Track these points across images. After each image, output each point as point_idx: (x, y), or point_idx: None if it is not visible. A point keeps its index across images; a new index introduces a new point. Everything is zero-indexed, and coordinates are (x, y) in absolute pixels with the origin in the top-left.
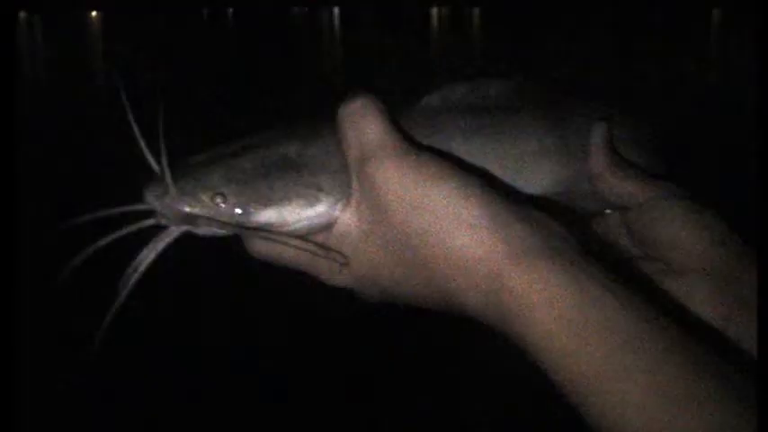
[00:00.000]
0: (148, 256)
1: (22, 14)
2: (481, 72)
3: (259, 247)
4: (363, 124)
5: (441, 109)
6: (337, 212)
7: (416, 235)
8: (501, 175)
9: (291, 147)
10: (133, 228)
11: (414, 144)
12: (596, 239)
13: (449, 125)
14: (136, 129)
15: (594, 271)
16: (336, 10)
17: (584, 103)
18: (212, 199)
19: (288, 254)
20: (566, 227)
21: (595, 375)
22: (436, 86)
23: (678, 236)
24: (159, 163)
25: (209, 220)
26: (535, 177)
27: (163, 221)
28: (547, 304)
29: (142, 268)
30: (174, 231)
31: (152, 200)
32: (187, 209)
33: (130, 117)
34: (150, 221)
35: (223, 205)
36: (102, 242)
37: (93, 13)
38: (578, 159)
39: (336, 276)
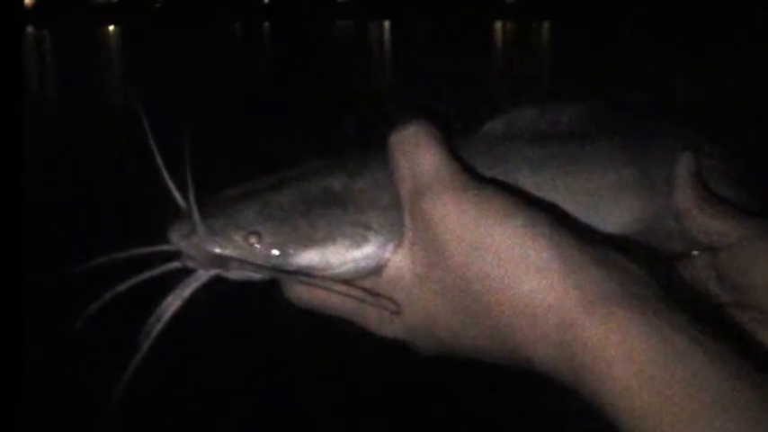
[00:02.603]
0: (174, 303)
1: (30, 29)
2: (551, 94)
3: (299, 293)
4: (417, 154)
5: (505, 137)
6: (388, 254)
7: (477, 279)
8: (574, 212)
9: (336, 180)
10: (156, 271)
11: (474, 176)
12: (682, 284)
13: (514, 155)
14: (159, 159)
15: (680, 321)
16: (387, 23)
17: (669, 129)
18: (246, 239)
19: (332, 301)
20: (647, 270)
21: None
22: (500, 111)
23: None
24: (186, 198)
25: (243, 263)
26: (613, 214)
27: (190, 264)
28: (626, 358)
29: (167, 317)
30: (203, 275)
31: (178, 240)
32: (217, 250)
33: (153, 145)
34: (176, 264)
35: (258, 246)
36: (122, 287)
37: (111, 28)
38: (662, 194)
39: (387, 326)
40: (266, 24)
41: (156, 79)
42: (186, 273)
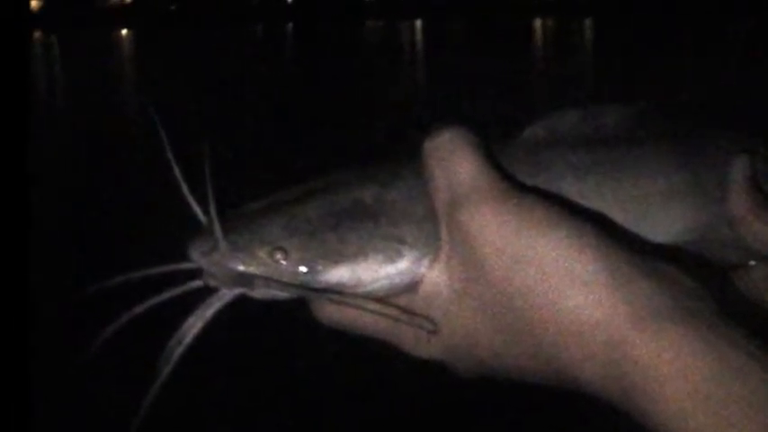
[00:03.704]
0: (195, 324)
1: (37, 34)
2: (594, 96)
3: (329, 313)
4: (453, 162)
5: (547, 142)
6: (423, 269)
7: (520, 295)
8: (621, 221)
9: (366, 191)
10: (177, 291)
11: (514, 185)
12: (738, 297)
13: (557, 162)
14: (177, 171)
15: (737, 336)
16: (419, 23)
17: (721, 132)
18: (271, 255)
19: (364, 320)
20: (700, 283)
21: None
22: (541, 115)
23: None
24: (207, 212)
25: (268, 281)
26: (663, 223)
27: (212, 283)
28: (679, 377)
29: (188, 340)
30: (226, 295)
31: (199, 257)
32: (240, 267)
33: (170, 157)
34: (197, 283)
35: (284, 262)
36: (139, 309)
37: (124, 32)
38: (715, 200)
39: (424, 346)
40: (290, 26)
41: (173, 85)
42: (208, 292)
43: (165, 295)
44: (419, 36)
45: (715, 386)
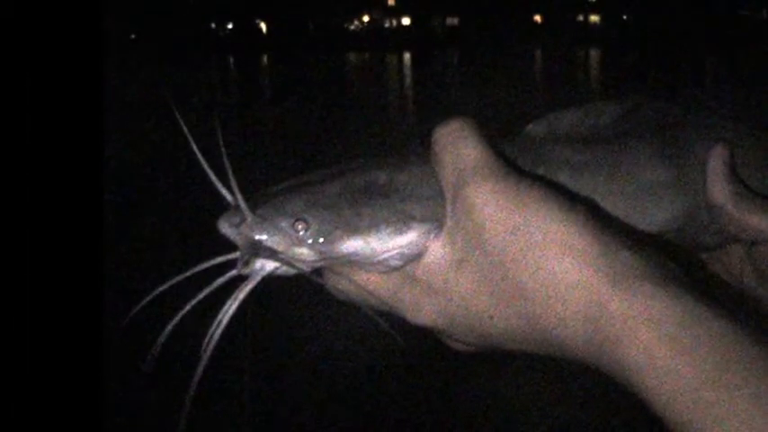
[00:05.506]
0: (230, 307)
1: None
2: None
3: (340, 285)
4: (461, 146)
5: (546, 139)
6: (429, 242)
7: (514, 262)
8: (613, 212)
9: (380, 173)
10: (213, 286)
11: (515, 169)
12: (716, 278)
13: (554, 158)
14: (201, 156)
15: (701, 295)
16: (408, 56)
17: (708, 121)
18: (293, 226)
19: (369, 291)
20: (681, 264)
21: (702, 386)
22: (542, 114)
23: None
24: (231, 189)
25: (290, 248)
26: (652, 213)
27: (241, 256)
28: (650, 323)
29: (225, 321)
30: (256, 276)
31: (227, 228)
32: (265, 237)
33: (193, 146)
34: (231, 274)
35: (305, 233)
36: (183, 311)
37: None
38: (698, 190)
39: (422, 313)
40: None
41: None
42: (242, 280)
43: (205, 292)
44: (408, 70)
45: (681, 330)
